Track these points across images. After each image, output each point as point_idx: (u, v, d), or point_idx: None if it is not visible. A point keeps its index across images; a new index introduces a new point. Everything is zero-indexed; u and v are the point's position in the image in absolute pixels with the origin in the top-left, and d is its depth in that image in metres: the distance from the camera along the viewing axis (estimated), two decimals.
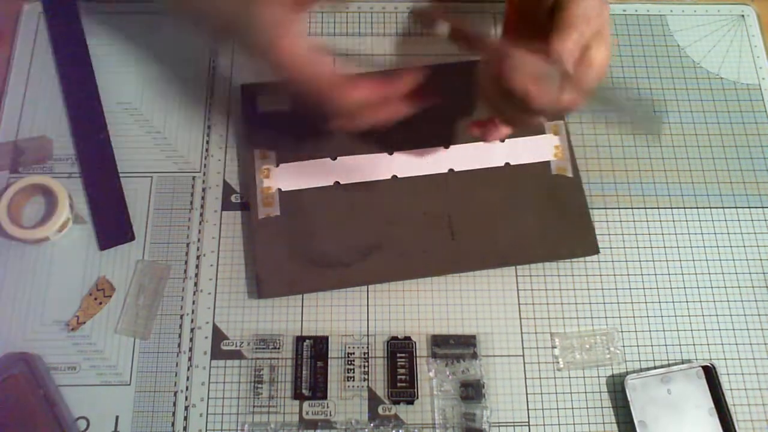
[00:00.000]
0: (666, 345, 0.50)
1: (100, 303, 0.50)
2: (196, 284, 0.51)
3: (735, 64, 0.60)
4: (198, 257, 0.52)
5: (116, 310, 0.50)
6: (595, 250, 0.52)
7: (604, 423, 0.48)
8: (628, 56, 0.60)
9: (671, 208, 0.55)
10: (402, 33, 0.59)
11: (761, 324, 0.51)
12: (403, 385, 0.48)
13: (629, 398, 0.47)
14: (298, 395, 0.48)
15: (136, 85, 0.57)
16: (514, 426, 0.48)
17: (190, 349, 0.49)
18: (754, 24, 0.62)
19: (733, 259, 0.53)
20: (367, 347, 0.50)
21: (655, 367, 0.49)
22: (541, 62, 0.39)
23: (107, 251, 0.52)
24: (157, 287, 0.51)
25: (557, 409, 0.49)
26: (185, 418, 0.48)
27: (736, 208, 0.55)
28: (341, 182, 0.53)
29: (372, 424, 0.48)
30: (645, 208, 0.55)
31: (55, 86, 0.56)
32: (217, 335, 0.50)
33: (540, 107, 0.39)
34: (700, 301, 0.52)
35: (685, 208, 0.55)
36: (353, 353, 0.49)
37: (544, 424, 0.48)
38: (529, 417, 0.48)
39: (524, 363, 0.50)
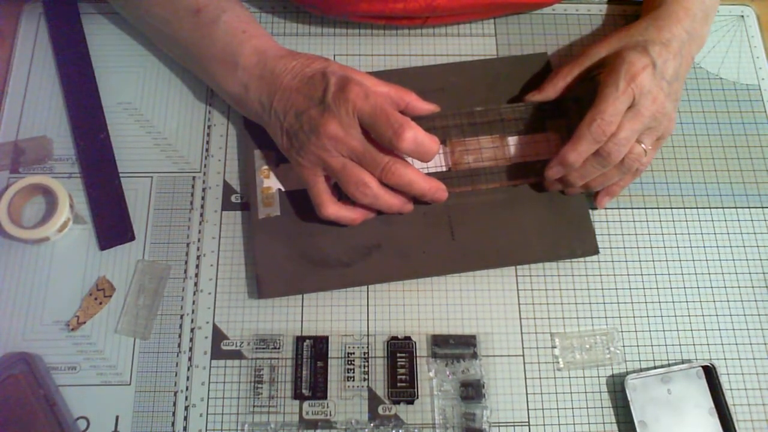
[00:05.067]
0: (666, 345, 0.50)
1: (101, 303, 0.50)
2: (196, 284, 0.51)
3: (734, 64, 0.60)
4: (198, 257, 0.52)
5: (116, 310, 0.50)
6: (595, 250, 0.52)
7: (604, 423, 0.48)
8: None
9: (671, 208, 0.55)
10: (403, 33, 0.60)
11: (761, 324, 0.51)
12: (403, 385, 0.48)
13: (629, 398, 0.47)
14: (298, 395, 0.48)
15: (136, 85, 0.57)
16: (514, 426, 0.48)
17: (190, 349, 0.49)
18: (754, 24, 0.62)
19: (733, 259, 0.53)
20: (367, 347, 0.50)
21: (655, 367, 0.49)
22: None
23: (107, 251, 0.51)
24: (157, 287, 0.51)
25: (557, 409, 0.49)
26: (185, 418, 0.48)
27: (736, 208, 0.55)
28: None
29: (372, 424, 0.48)
30: (645, 208, 0.55)
31: (55, 86, 0.56)
32: (217, 335, 0.50)
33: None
34: (700, 301, 0.52)
35: (684, 208, 0.55)
36: (353, 353, 0.49)
37: (544, 424, 0.48)
38: (529, 417, 0.48)
39: (524, 363, 0.50)
